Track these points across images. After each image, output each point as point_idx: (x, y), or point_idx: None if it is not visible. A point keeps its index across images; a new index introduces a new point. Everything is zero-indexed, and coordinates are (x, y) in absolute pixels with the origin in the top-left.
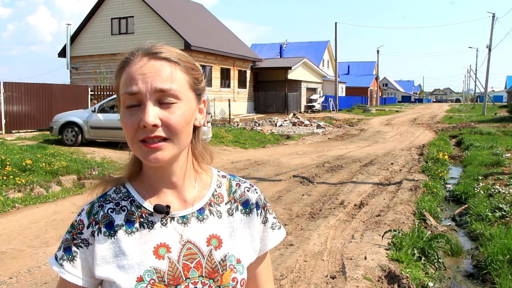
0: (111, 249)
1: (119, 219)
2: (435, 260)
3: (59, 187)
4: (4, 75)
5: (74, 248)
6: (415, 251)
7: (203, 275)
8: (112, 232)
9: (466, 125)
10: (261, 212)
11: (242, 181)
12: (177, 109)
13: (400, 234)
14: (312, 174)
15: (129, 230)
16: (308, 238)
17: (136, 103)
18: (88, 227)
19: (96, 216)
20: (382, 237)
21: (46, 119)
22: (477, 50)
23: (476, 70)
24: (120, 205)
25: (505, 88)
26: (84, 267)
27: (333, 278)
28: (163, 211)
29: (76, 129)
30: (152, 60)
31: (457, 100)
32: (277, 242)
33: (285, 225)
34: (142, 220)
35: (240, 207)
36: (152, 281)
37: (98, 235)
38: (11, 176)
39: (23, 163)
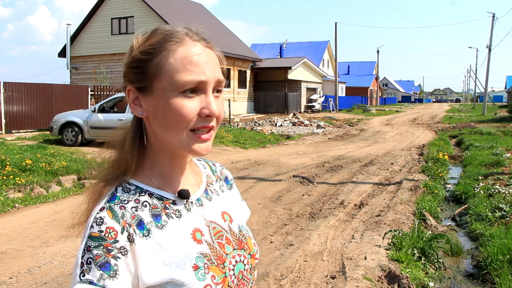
0: (153, 250)
1: (145, 215)
2: (435, 260)
3: (59, 187)
4: (4, 75)
5: (113, 261)
6: (415, 251)
7: (235, 248)
8: (145, 231)
9: (466, 125)
10: (235, 186)
11: (211, 161)
12: (221, 99)
13: (400, 234)
14: (312, 174)
15: (159, 224)
16: (308, 238)
17: (197, 90)
18: (122, 233)
19: (125, 219)
20: (383, 237)
21: (46, 119)
22: (477, 50)
23: (476, 70)
24: (141, 201)
25: (505, 88)
26: (128, 280)
27: (333, 278)
28: (187, 195)
29: (76, 129)
30: (207, 48)
31: (457, 100)
32: (249, 214)
33: (285, 225)
34: (167, 211)
35: (224, 184)
36: (206, 265)
37: (135, 238)
38: (11, 176)
39: (23, 163)
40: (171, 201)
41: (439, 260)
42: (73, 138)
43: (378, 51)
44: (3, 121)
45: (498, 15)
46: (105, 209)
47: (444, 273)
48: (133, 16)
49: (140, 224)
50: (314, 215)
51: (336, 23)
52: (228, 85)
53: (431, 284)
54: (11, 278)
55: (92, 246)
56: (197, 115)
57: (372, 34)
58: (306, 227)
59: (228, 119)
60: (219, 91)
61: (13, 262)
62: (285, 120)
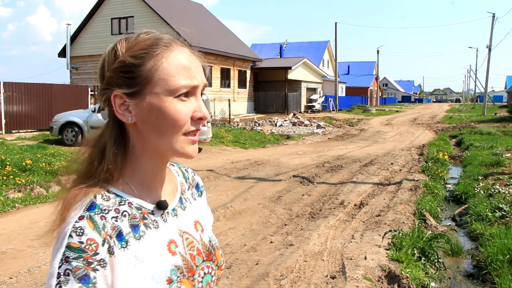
0: (129, 262)
1: (124, 226)
2: (435, 260)
3: (59, 187)
4: (4, 75)
5: (92, 274)
6: (415, 251)
7: (204, 259)
8: (123, 243)
9: (466, 125)
10: (204, 192)
11: (184, 166)
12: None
13: (400, 234)
14: (312, 174)
15: (137, 235)
16: (308, 238)
17: (188, 94)
18: (103, 245)
19: (106, 230)
20: (383, 237)
21: (46, 119)
22: (477, 50)
23: (476, 70)
24: (121, 211)
25: (505, 88)
26: None
27: (333, 278)
28: (166, 206)
29: (76, 129)
30: (192, 54)
31: (457, 100)
32: (213, 220)
33: (285, 225)
34: (146, 221)
35: (195, 191)
36: (179, 278)
37: (115, 251)
38: (11, 176)
39: (23, 163)
40: (150, 211)
41: (439, 260)
42: (73, 138)
43: (378, 51)
44: (3, 121)
45: (498, 15)
46: (85, 218)
47: (444, 273)
48: (133, 16)
49: (120, 236)
50: (314, 215)
51: (336, 23)
52: (228, 85)
53: (433, 284)
54: (11, 278)
55: (71, 257)
56: (190, 118)
57: (372, 34)
58: (306, 227)
59: (228, 119)
60: (201, 94)
61: (13, 262)
62: (285, 120)
